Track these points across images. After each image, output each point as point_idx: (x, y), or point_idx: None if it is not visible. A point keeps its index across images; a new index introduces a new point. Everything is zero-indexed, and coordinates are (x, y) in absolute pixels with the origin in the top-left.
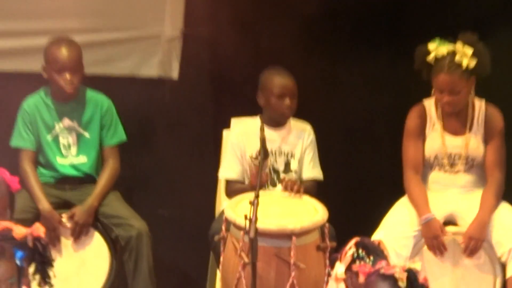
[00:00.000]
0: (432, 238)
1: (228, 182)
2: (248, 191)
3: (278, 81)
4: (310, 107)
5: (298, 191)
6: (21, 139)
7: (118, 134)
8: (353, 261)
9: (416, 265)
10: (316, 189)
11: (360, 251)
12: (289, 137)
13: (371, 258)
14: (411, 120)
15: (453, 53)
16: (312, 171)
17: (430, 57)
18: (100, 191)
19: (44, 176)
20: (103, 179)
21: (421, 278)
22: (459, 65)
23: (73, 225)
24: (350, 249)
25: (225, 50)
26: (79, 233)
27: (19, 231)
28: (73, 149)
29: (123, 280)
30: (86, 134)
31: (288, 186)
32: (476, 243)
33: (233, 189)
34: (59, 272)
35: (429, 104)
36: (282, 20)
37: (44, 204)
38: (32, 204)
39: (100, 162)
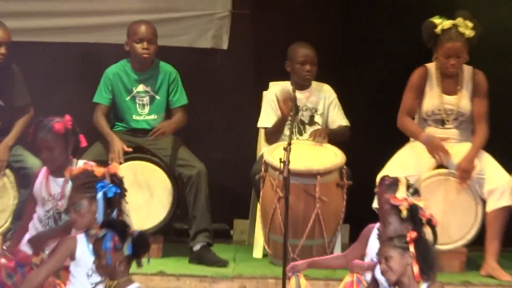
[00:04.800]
0: (436, 147)
1: (266, 130)
2: (278, 123)
3: (300, 51)
4: (330, 74)
5: (324, 137)
6: (101, 96)
7: (182, 99)
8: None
9: (420, 203)
10: (348, 134)
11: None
12: (312, 96)
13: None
14: (415, 77)
15: (455, 26)
16: (341, 120)
17: (438, 29)
18: (175, 120)
19: (120, 127)
20: (175, 117)
21: (427, 215)
22: (463, 34)
23: (158, 127)
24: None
25: (265, 28)
26: (159, 134)
27: (99, 170)
28: (147, 109)
29: (183, 209)
30: (157, 97)
31: (315, 134)
32: (468, 172)
33: (269, 132)
34: (133, 202)
35: (431, 67)
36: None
37: (112, 135)
38: (105, 151)
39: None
